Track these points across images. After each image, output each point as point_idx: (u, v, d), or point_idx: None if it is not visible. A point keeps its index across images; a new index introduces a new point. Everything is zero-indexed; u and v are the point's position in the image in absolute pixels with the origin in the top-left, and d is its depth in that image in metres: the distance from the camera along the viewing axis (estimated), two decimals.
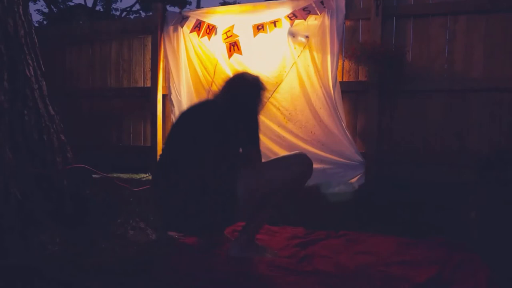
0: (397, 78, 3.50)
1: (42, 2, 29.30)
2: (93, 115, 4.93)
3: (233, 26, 3.92)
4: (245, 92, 1.87)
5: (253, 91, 1.89)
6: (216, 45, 4.03)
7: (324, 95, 3.63)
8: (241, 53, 3.87)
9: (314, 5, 3.68)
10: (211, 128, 1.75)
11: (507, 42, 3.34)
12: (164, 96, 4.47)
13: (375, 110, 3.63)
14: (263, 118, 3.88)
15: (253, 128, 1.80)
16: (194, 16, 4.18)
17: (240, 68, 3.94)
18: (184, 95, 4.25)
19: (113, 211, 2.24)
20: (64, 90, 4.85)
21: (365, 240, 2.03)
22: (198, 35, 4.07)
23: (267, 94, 3.84)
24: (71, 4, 17.77)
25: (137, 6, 18.49)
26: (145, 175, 4.18)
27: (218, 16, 4.07)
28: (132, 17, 17.44)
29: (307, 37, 3.71)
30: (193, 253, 1.87)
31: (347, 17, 3.72)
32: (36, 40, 2.34)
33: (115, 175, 3.94)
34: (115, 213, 2.20)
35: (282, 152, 3.79)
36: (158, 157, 4.42)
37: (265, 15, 3.86)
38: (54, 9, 17.73)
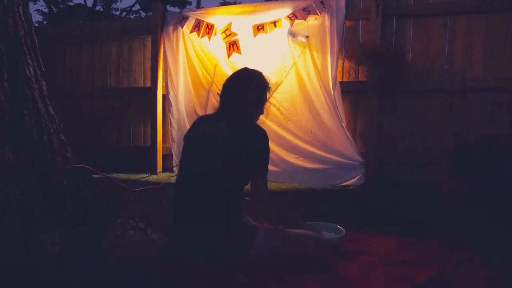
0: (397, 78, 3.51)
1: (42, 2, 29.33)
2: (93, 115, 4.93)
3: (230, 23, 3.92)
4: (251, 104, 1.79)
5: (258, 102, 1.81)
6: (216, 45, 4.03)
7: (324, 95, 3.64)
8: (240, 53, 3.88)
9: (314, 5, 3.68)
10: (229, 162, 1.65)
11: (507, 42, 3.34)
12: (164, 96, 4.47)
13: (375, 110, 3.63)
14: (263, 118, 3.88)
15: (264, 152, 1.74)
16: (194, 16, 4.18)
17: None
18: (182, 95, 4.25)
19: (113, 211, 2.23)
20: (64, 90, 4.85)
21: (365, 240, 2.03)
22: (198, 35, 4.07)
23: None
24: (71, 4, 17.79)
25: (137, 6, 18.53)
26: (145, 175, 4.18)
27: (218, 16, 4.07)
28: (132, 17, 17.46)
29: (307, 37, 3.71)
30: None
31: (347, 17, 3.72)
32: (36, 40, 2.34)
33: (115, 175, 3.94)
34: (115, 213, 2.19)
35: (282, 152, 3.79)
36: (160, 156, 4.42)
37: (265, 15, 3.86)
38: (54, 9, 17.74)
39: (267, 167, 1.77)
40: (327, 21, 3.65)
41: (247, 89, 1.79)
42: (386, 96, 3.64)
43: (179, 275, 1.59)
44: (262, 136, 1.75)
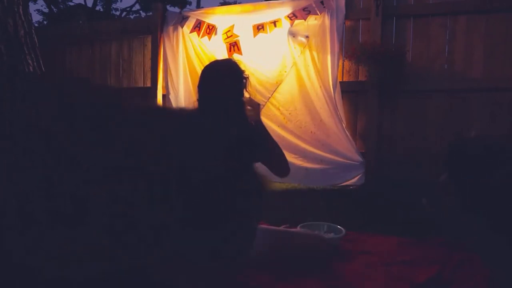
0: (397, 78, 3.50)
1: (42, 2, 29.29)
2: None
3: (233, 26, 3.93)
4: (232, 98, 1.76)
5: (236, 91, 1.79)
6: (216, 45, 4.03)
7: (324, 95, 3.64)
8: (241, 53, 3.88)
9: (314, 5, 3.68)
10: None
11: (507, 42, 3.34)
12: (164, 96, 4.47)
13: (375, 110, 3.63)
14: (263, 119, 3.88)
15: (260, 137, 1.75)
16: (194, 16, 4.18)
17: None
18: (182, 95, 4.25)
19: None
20: None
21: (365, 240, 2.03)
22: (198, 35, 4.07)
23: (267, 94, 3.85)
24: (71, 4, 17.78)
25: (137, 6, 18.49)
26: None
27: (218, 16, 4.07)
28: (132, 17, 17.44)
29: (307, 37, 3.71)
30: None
31: (347, 17, 3.72)
32: (36, 40, 2.34)
33: None
34: None
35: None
36: None
37: (265, 15, 3.86)
38: (54, 9, 17.72)
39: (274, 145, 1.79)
40: (327, 21, 3.65)
41: (225, 77, 1.78)
42: (386, 96, 3.63)
43: (179, 275, 1.59)
44: (249, 128, 1.76)
